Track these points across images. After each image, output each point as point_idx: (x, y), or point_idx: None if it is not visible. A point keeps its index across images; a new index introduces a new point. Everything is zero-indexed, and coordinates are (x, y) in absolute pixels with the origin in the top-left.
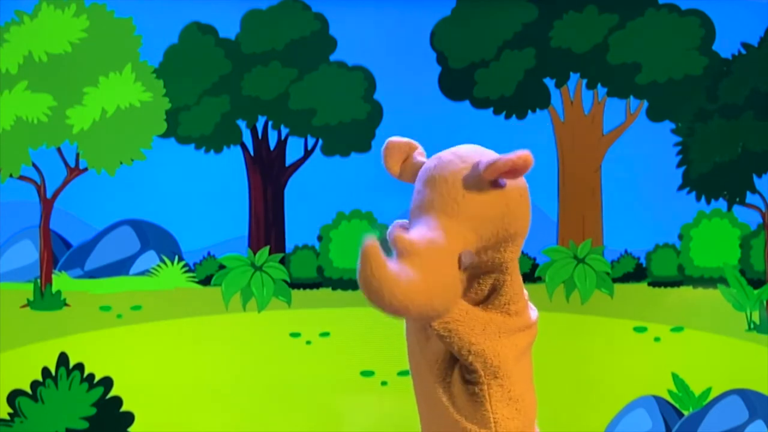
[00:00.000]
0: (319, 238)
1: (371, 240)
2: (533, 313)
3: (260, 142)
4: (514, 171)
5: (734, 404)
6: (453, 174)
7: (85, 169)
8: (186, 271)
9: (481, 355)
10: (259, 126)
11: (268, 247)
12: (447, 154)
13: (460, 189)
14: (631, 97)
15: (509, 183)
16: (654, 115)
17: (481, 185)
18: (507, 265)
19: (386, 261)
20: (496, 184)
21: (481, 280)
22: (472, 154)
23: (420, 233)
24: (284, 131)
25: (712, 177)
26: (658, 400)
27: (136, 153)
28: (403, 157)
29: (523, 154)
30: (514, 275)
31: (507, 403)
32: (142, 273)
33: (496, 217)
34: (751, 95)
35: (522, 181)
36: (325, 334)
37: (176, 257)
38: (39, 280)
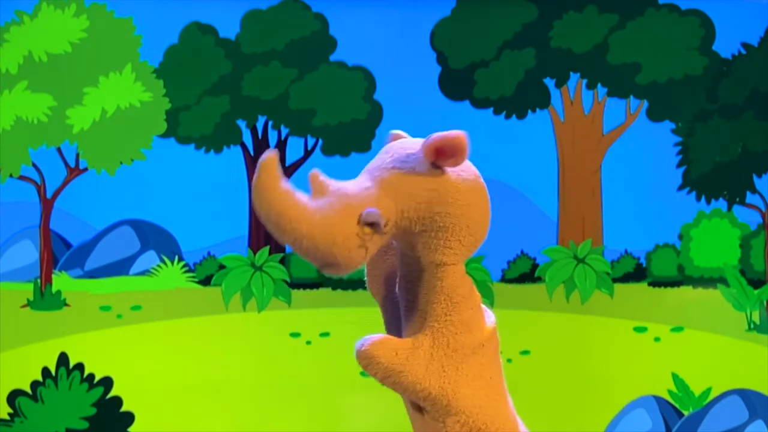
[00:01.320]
0: None
1: (272, 153)
2: (489, 322)
3: (260, 142)
4: (445, 148)
5: (734, 404)
6: (398, 146)
7: (85, 169)
8: (186, 271)
9: (429, 398)
10: (259, 126)
11: (268, 247)
12: (411, 139)
13: (395, 159)
14: (631, 97)
15: (452, 172)
16: (654, 115)
17: (418, 163)
18: (438, 269)
19: (281, 177)
20: (434, 166)
21: (417, 281)
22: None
23: (338, 181)
24: (284, 131)
25: (712, 177)
26: (658, 400)
27: (136, 153)
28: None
29: (457, 132)
30: (451, 283)
31: None
32: (142, 273)
33: (422, 198)
34: (751, 95)
35: (474, 182)
36: (325, 334)
37: (176, 257)
38: (39, 280)
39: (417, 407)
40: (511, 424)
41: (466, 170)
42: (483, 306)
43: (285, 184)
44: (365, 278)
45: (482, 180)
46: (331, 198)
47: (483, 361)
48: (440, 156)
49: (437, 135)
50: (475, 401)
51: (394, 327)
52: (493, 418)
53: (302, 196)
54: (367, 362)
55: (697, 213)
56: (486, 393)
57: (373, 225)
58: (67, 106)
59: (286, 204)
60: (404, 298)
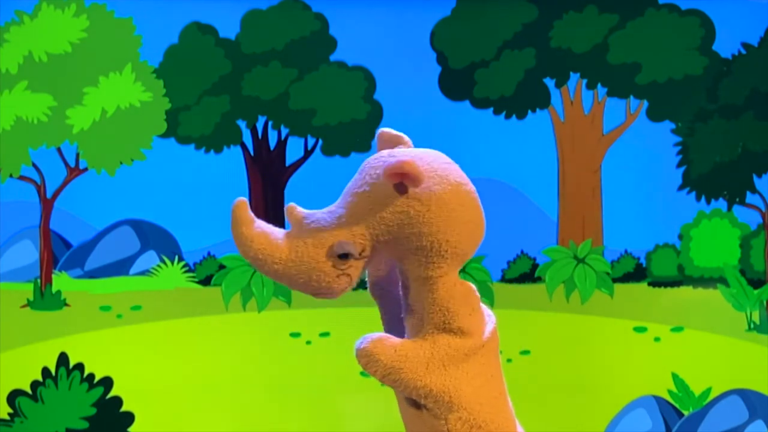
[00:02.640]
0: None
1: (240, 199)
2: (489, 324)
3: (260, 142)
4: (398, 176)
5: (734, 404)
6: (369, 167)
7: (85, 169)
8: (186, 271)
9: (430, 395)
10: (259, 126)
11: None
12: (387, 151)
13: (364, 183)
14: (631, 97)
15: (421, 191)
16: (654, 115)
17: (385, 186)
18: (429, 281)
19: (253, 220)
20: (400, 189)
21: (414, 291)
22: (402, 155)
23: (313, 211)
24: (284, 131)
25: (712, 177)
26: (658, 400)
27: (136, 153)
28: (387, 148)
29: (406, 160)
30: (444, 295)
31: (470, 430)
32: (142, 273)
33: (392, 221)
34: (751, 95)
35: (449, 191)
36: (325, 334)
37: (176, 257)
38: (39, 280)
39: (415, 405)
40: (510, 423)
41: (440, 183)
42: (483, 306)
43: (258, 228)
44: (366, 279)
45: (464, 186)
46: (303, 233)
47: (483, 360)
48: (398, 183)
49: (389, 163)
50: (477, 398)
51: (395, 328)
52: (493, 416)
53: (276, 235)
54: (367, 360)
55: (697, 213)
56: (487, 391)
57: (347, 255)
58: (67, 106)
59: (260, 247)
60: (404, 302)
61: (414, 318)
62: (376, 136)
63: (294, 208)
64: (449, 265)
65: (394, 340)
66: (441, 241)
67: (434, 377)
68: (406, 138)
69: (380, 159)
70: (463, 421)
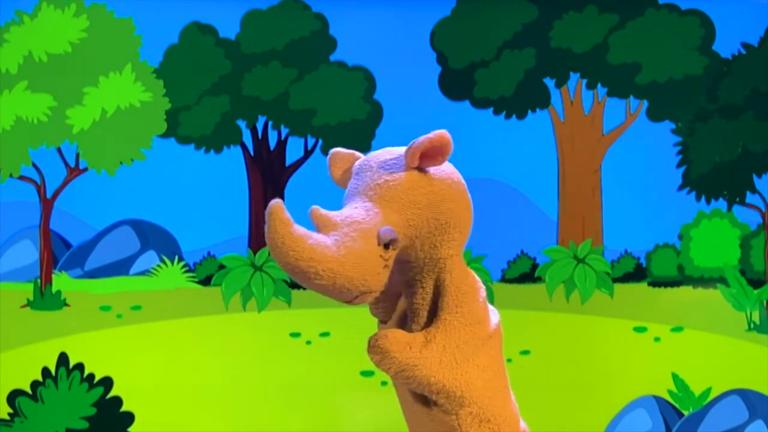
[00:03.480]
0: None
1: (277, 201)
2: (494, 316)
3: (260, 142)
4: (432, 150)
5: (734, 404)
6: (378, 162)
7: (85, 169)
8: (186, 271)
9: (443, 391)
10: (259, 126)
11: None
12: (379, 151)
13: (383, 174)
14: (631, 97)
15: (436, 171)
16: (654, 115)
17: (405, 171)
18: (445, 263)
19: (291, 221)
20: (420, 171)
21: (423, 281)
22: (401, 149)
23: (338, 211)
24: (284, 131)
25: (712, 177)
26: (658, 400)
27: (136, 153)
28: (345, 166)
29: (440, 132)
30: (459, 274)
31: (479, 426)
32: (142, 273)
33: (422, 202)
34: (751, 95)
35: (454, 173)
36: (325, 334)
37: (176, 257)
38: (39, 280)
39: (423, 401)
40: (515, 417)
41: (444, 166)
42: (487, 303)
43: (299, 229)
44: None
45: (458, 172)
46: (344, 229)
47: (491, 353)
48: (425, 159)
49: (421, 140)
50: (486, 392)
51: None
52: (500, 409)
53: (318, 237)
54: (381, 357)
55: (697, 213)
56: (494, 385)
57: (391, 242)
58: (67, 106)
59: (310, 248)
60: (410, 301)
61: (422, 316)
62: (329, 158)
63: (319, 209)
64: (461, 243)
65: (408, 336)
66: (459, 217)
67: (447, 373)
68: (358, 154)
69: (385, 153)
70: (473, 415)
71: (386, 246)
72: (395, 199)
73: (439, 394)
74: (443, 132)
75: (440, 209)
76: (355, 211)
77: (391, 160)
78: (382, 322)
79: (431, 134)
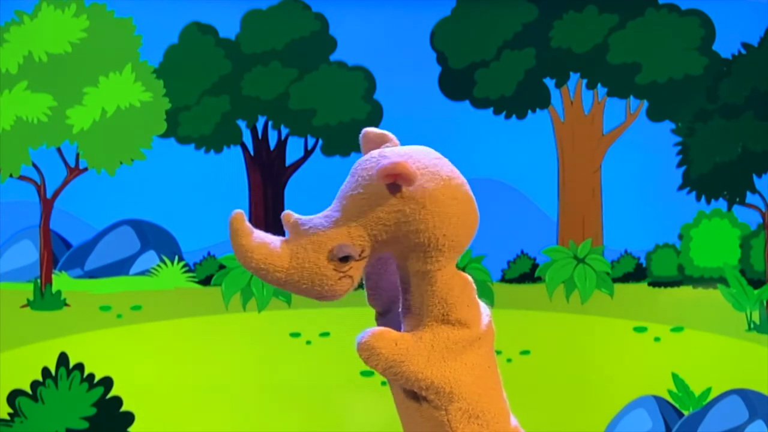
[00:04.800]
0: None
1: (237, 211)
2: (485, 316)
3: (260, 142)
4: (391, 176)
5: (734, 404)
6: (361, 170)
7: (85, 169)
8: (186, 271)
9: (431, 387)
10: (259, 126)
11: None
12: (377, 151)
13: (359, 184)
14: (631, 97)
15: (414, 188)
16: (654, 115)
17: (379, 187)
18: (431, 276)
19: (251, 232)
20: (393, 188)
21: (411, 285)
22: (393, 155)
23: (310, 217)
24: (284, 131)
25: (712, 177)
26: (658, 400)
27: (136, 153)
28: (372, 148)
29: (396, 161)
30: (444, 286)
31: (468, 422)
32: (142, 273)
33: (389, 220)
34: (751, 95)
35: (441, 187)
36: (325, 334)
37: (176, 257)
38: (39, 280)
39: (413, 397)
40: (505, 413)
41: (431, 178)
42: (478, 300)
43: (256, 239)
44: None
45: (455, 180)
46: (302, 239)
47: (481, 352)
48: (392, 183)
49: (382, 165)
50: (475, 389)
51: (393, 327)
52: (490, 406)
53: (275, 244)
54: (369, 354)
55: (697, 213)
56: (485, 381)
57: (347, 257)
58: (67, 106)
59: (260, 258)
60: (403, 297)
61: (412, 315)
62: (361, 136)
63: (290, 215)
64: (447, 258)
65: (395, 333)
66: (438, 236)
67: (435, 369)
68: (390, 135)
69: (371, 160)
70: (462, 411)
71: (342, 260)
72: (361, 213)
73: (428, 390)
74: (398, 161)
75: (408, 229)
76: (322, 219)
77: (372, 167)
78: (379, 314)
79: (389, 161)
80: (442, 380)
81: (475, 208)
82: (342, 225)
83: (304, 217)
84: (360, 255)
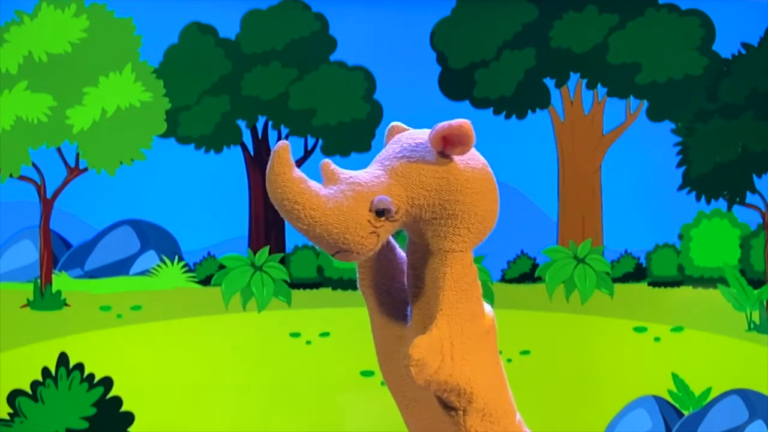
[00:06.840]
0: None
1: (284, 142)
2: (488, 311)
3: (260, 142)
4: (452, 136)
5: (734, 404)
6: (408, 138)
7: (85, 169)
8: (186, 271)
9: (455, 389)
10: (259, 126)
11: (268, 247)
12: (422, 129)
13: (406, 150)
14: (631, 97)
15: (462, 161)
16: (654, 115)
17: (427, 152)
18: (447, 256)
19: (294, 165)
20: (444, 156)
21: (426, 268)
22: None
23: (350, 171)
24: (284, 131)
25: (712, 177)
26: (658, 400)
27: (136, 153)
28: None
29: (461, 120)
30: (459, 270)
31: (482, 420)
32: (142, 273)
33: (432, 186)
34: (751, 95)
35: (484, 171)
36: (325, 334)
37: (176, 257)
38: (39, 280)
39: (425, 399)
40: (513, 409)
41: (474, 159)
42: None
43: (298, 172)
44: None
45: (490, 169)
46: (342, 186)
47: (489, 348)
48: (447, 145)
49: (443, 124)
50: (489, 387)
51: (392, 317)
52: (500, 402)
53: (315, 185)
54: (419, 369)
55: (697, 213)
56: (493, 378)
57: (384, 212)
58: (67, 106)
59: (299, 191)
60: (412, 286)
61: (422, 302)
62: (388, 129)
63: (329, 163)
64: (470, 240)
65: (433, 341)
66: (471, 213)
67: (457, 370)
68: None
69: (415, 132)
70: (477, 410)
71: (379, 213)
72: (405, 174)
73: (450, 392)
74: (464, 122)
75: (448, 198)
76: (363, 174)
77: (419, 138)
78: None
79: (454, 121)
80: (464, 381)
81: (498, 205)
82: (384, 182)
83: (343, 169)
84: (395, 213)
